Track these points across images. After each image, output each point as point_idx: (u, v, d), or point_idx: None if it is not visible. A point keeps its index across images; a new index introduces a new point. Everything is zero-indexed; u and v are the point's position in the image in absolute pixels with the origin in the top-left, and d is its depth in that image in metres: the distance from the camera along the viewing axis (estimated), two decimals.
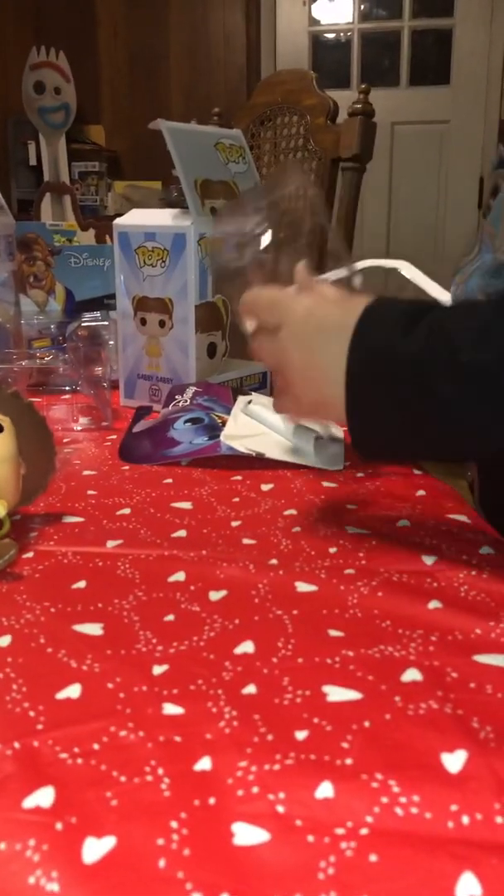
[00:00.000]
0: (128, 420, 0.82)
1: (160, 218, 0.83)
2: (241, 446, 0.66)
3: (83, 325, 0.82)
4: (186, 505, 0.58)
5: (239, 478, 0.64)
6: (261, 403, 0.75)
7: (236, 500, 0.59)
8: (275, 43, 3.27)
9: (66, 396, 0.86)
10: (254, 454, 0.65)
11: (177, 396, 0.78)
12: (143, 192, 2.94)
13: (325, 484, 0.62)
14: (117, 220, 0.85)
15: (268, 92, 1.57)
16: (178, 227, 0.81)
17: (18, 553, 0.48)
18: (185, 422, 0.71)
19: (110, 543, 0.51)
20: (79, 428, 0.79)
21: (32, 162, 3.08)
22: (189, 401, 0.76)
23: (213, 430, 0.69)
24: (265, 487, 0.61)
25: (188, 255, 0.80)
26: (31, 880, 0.25)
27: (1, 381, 0.53)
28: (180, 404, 0.76)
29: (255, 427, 0.71)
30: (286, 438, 0.68)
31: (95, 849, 0.26)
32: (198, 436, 0.69)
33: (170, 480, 0.64)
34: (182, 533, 0.53)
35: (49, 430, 0.55)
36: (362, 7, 3.25)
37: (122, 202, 2.95)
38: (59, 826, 0.27)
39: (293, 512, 0.56)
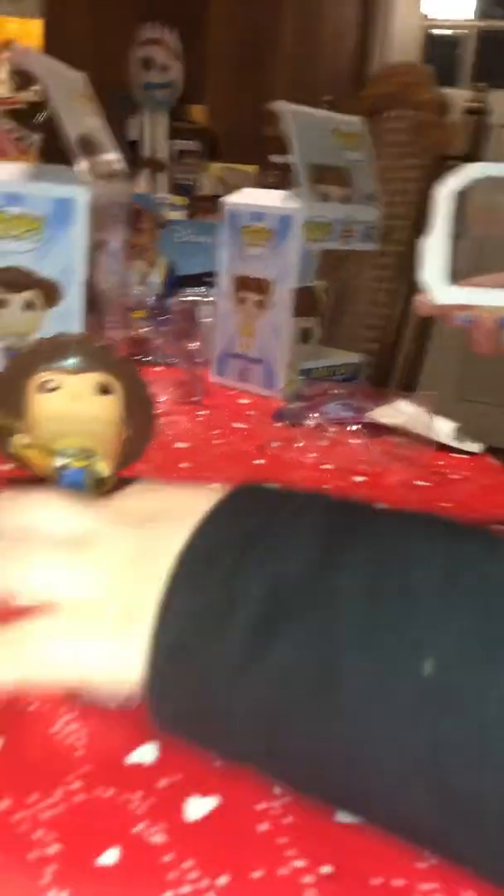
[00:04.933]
0: (217, 397, 0.82)
1: (269, 198, 0.83)
2: (385, 418, 0.66)
3: (184, 300, 0.83)
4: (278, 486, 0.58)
5: (330, 466, 0.63)
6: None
7: (328, 487, 0.59)
8: (387, 35, 3.23)
9: (159, 369, 0.87)
10: (397, 424, 0.65)
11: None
12: (239, 175, 2.94)
13: (418, 483, 0.61)
14: (227, 198, 0.86)
15: (381, 83, 1.55)
16: (286, 209, 0.81)
17: None
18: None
19: None
20: (170, 401, 0.80)
21: (133, 137, 3.11)
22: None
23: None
24: (357, 479, 0.61)
25: (293, 237, 0.80)
26: (136, 830, 0.25)
27: (111, 346, 0.54)
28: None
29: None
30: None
31: (198, 807, 0.26)
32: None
33: (261, 461, 0.64)
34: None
35: (152, 399, 0.56)
36: (480, 5, 3.18)
37: (216, 184, 2.96)
38: (162, 783, 0.27)
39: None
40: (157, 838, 0.25)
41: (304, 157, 0.81)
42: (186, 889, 0.23)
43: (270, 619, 0.22)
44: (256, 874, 0.24)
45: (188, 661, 0.23)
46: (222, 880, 0.24)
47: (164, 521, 0.26)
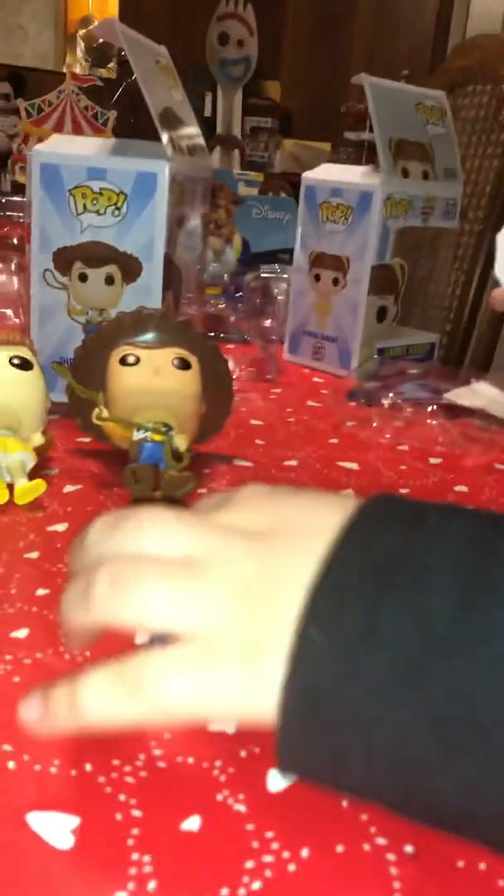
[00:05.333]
0: (291, 375, 0.82)
1: (349, 174, 0.82)
2: (464, 400, 0.65)
3: (259, 277, 0.82)
4: (353, 465, 0.58)
5: (406, 448, 0.62)
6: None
7: (403, 467, 0.58)
8: (468, 8, 3.14)
9: (233, 346, 0.87)
10: (477, 406, 0.64)
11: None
12: (312, 152, 2.91)
13: (498, 466, 0.60)
14: (306, 173, 0.85)
15: (462, 56, 1.51)
16: (366, 184, 0.79)
17: (195, 488, 0.49)
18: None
19: None
20: (244, 379, 0.80)
21: (207, 113, 3.11)
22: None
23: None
24: (433, 461, 0.60)
25: (373, 214, 0.79)
26: (220, 797, 0.26)
27: (190, 322, 0.54)
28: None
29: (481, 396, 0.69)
30: None
31: (280, 779, 0.26)
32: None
33: (335, 441, 0.63)
34: (349, 491, 0.53)
35: (229, 374, 0.56)
36: None
37: (289, 161, 2.94)
38: (243, 753, 0.27)
39: (464, 489, 0.55)
40: (239, 807, 0.25)
41: (385, 132, 0.79)
42: (268, 859, 0.24)
43: (418, 662, 0.20)
44: (339, 848, 0.24)
45: (324, 708, 0.21)
46: (304, 852, 0.24)
47: (284, 539, 0.24)
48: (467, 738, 0.20)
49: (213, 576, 0.24)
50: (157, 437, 0.49)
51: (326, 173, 0.84)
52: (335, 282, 0.83)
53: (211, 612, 0.23)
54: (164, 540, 0.25)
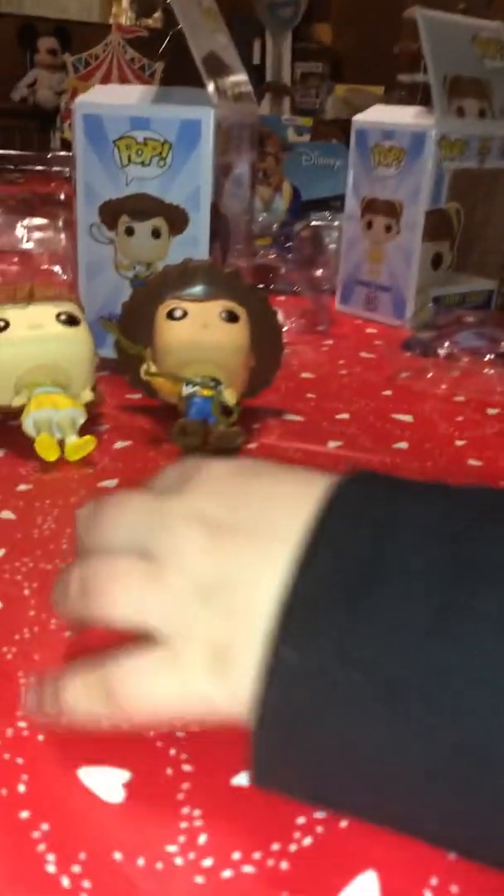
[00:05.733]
0: (343, 326, 0.80)
1: (401, 115, 0.79)
2: None
3: (309, 225, 0.80)
4: (407, 418, 0.57)
5: (462, 398, 0.61)
6: None
7: (460, 419, 0.57)
8: None
9: (283, 298, 0.86)
10: None
11: None
12: (364, 96, 2.82)
13: None
14: (357, 116, 0.82)
15: None
16: (419, 125, 0.76)
17: (244, 443, 0.48)
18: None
19: (331, 444, 0.51)
20: (295, 331, 0.78)
21: (256, 60, 3.03)
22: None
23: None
24: (491, 412, 0.58)
25: (426, 156, 0.76)
26: None
27: (239, 272, 0.53)
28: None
29: None
30: None
31: None
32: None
33: (389, 392, 0.62)
34: (403, 444, 0.52)
35: (279, 327, 0.55)
36: None
37: (341, 106, 2.86)
38: None
39: None
40: None
41: (440, 69, 0.76)
42: (320, 815, 0.23)
43: (396, 680, 0.19)
44: None
45: (301, 727, 0.21)
46: None
47: (245, 537, 0.23)
48: (452, 759, 0.19)
49: (172, 578, 0.23)
50: (206, 392, 0.48)
51: (378, 115, 0.81)
52: (388, 228, 0.80)
53: (172, 616, 0.23)
54: (129, 532, 0.24)
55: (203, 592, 0.22)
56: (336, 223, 0.84)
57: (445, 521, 0.21)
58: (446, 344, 0.68)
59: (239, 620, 0.22)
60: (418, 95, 2.96)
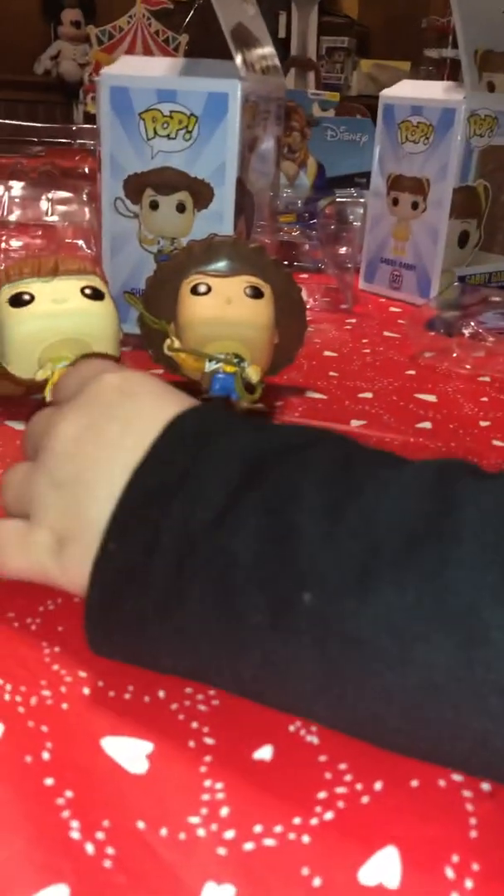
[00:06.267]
0: (367, 304, 0.80)
1: (430, 90, 0.78)
2: None
3: (335, 201, 0.79)
4: (431, 398, 0.56)
5: (487, 378, 0.60)
6: None
7: (484, 399, 0.56)
8: None
9: (306, 275, 0.85)
10: None
11: None
12: (391, 72, 2.78)
13: None
14: (384, 91, 0.81)
15: None
16: (449, 101, 0.75)
17: (268, 419, 0.48)
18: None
19: (354, 423, 0.51)
20: (318, 309, 0.78)
21: (281, 34, 2.99)
22: None
23: None
24: None
25: (455, 132, 0.75)
26: (292, 728, 0.25)
27: (263, 248, 0.53)
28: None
29: None
30: None
31: None
32: None
33: (412, 372, 0.61)
34: (427, 424, 0.51)
35: (303, 304, 0.54)
36: None
37: (367, 82, 2.82)
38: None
39: None
40: (311, 739, 0.25)
41: (470, 42, 0.75)
42: (342, 790, 0.23)
43: (179, 575, 0.24)
44: (413, 783, 0.24)
45: (119, 607, 0.26)
46: (378, 785, 0.24)
47: (106, 446, 0.28)
48: (220, 639, 0.24)
49: (40, 474, 0.29)
50: (229, 369, 0.48)
51: (406, 90, 0.80)
52: (414, 206, 0.79)
53: (33, 502, 0.29)
54: (30, 440, 0.32)
55: (58, 486, 0.28)
56: (361, 200, 0.83)
57: (249, 449, 0.26)
58: (471, 324, 0.67)
59: (78, 512, 0.27)
60: (445, 70, 2.91)
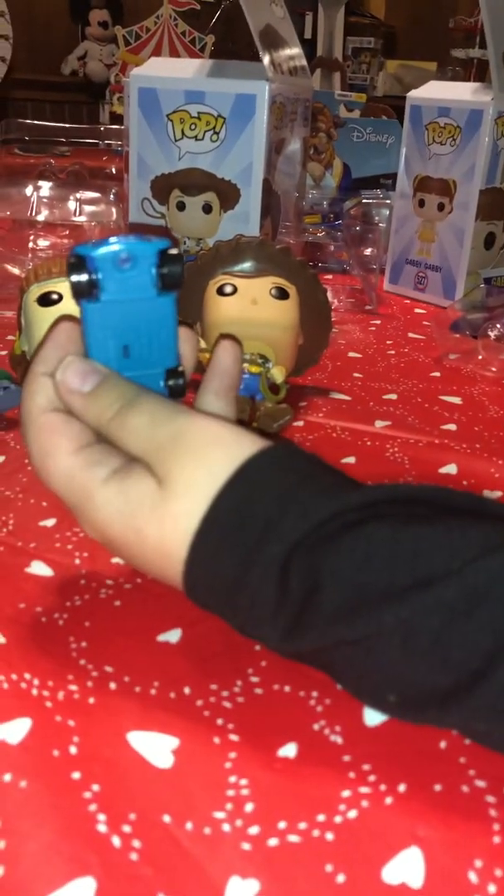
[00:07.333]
0: (392, 306, 0.79)
1: (457, 92, 0.78)
2: None
3: (361, 203, 0.79)
4: (456, 400, 0.56)
5: None
6: None
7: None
8: None
9: (331, 276, 0.85)
10: None
11: None
12: (416, 72, 2.77)
13: None
14: (411, 93, 0.80)
15: None
16: (476, 102, 0.75)
17: (291, 420, 0.48)
18: None
19: (378, 424, 0.51)
20: (343, 310, 0.78)
21: (307, 35, 2.99)
22: None
23: None
24: None
25: (482, 134, 0.74)
26: (316, 727, 0.26)
27: (289, 249, 0.53)
28: None
29: None
30: None
31: (376, 715, 0.26)
32: None
33: (437, 374, 0.61)
34: (452, 426, 0.51)
35: (328, 305, 0.54)
36: None
37: (392, 82, 2.81)
38: (339, 686, 0.27)
39: None
40: (336, 738, 0.25)
41: (499, 43, 0.74)
42: (365, 790, 0.24)
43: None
44: (436, 787, 0.24)
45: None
46: (401, 787, 0.24)
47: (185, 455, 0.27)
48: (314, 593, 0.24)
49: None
50: (254, 369, 0.48)
51: (433, 91, 0.80)
52: (440, 207, 0.79)
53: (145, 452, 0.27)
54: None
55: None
56: (387, 201, 0.83)
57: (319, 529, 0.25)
58: (497, 326, 0.67)
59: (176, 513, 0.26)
60: (472, 71, 2.89)
